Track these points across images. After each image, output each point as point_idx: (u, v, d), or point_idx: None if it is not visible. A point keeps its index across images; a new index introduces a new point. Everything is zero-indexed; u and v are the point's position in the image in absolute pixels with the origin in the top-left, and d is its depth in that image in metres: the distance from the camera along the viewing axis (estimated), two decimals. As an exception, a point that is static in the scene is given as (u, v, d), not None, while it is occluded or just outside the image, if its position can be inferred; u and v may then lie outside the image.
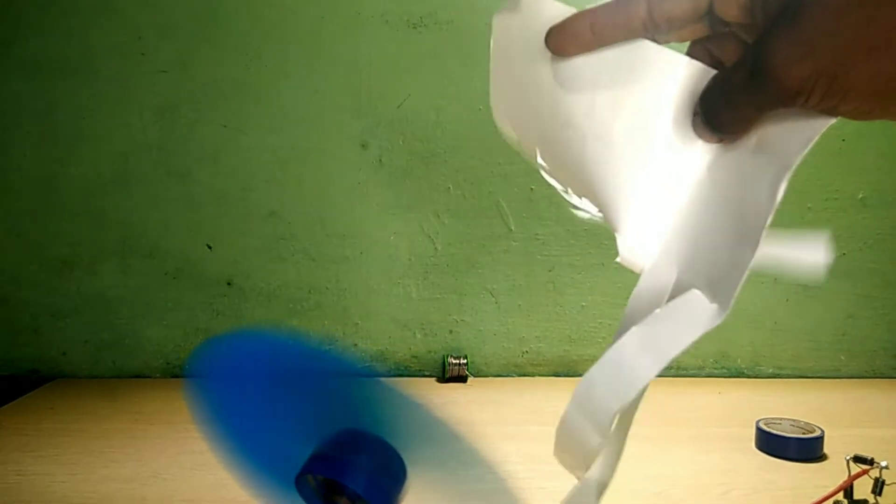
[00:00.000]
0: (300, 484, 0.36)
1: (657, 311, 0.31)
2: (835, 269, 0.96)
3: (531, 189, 0.94)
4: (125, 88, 0.92)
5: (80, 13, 0.91)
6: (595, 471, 0.33)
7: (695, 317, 0.30)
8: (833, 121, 0.29)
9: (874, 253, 0.96)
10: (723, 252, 0.30)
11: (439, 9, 0.92)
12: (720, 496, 0.56)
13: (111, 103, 0.92)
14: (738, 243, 0.30)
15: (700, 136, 0.32)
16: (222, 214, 0.94)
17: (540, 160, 0.37)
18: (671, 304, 0.31)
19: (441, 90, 0.93)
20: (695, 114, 0.32)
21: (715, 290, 0.30)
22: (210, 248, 0.94)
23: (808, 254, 0.33)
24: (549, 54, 0.33)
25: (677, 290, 0.32)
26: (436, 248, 0.95)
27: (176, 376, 0.95)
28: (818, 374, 0.97)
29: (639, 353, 0.30)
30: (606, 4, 0.32)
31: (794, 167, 0.29)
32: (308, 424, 0.37)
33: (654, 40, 0.32)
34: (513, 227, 0.95)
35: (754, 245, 0.29)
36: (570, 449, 0.32)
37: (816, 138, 0.29)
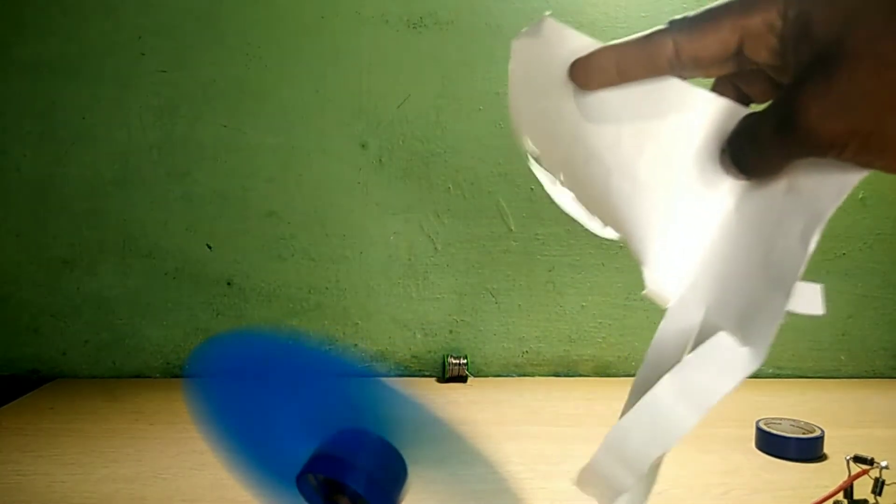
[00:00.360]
0: (301, 483, 0.36)
1: (689, 356, 0.30)
2: (835, 269, 0.96)
3: (531, 189, 0.94)
4: (125, 88, 0.92)
5: (80, 13, 0.91)
6: (625, 499, 0.33)
7: (729, 363, 0.30)
8: (866, 172, 0.28)
9: (874, 253, 0.96)
10: (754, 295, 0.30)
11: (439, 9, 0.92)
12: (720, 496, 0.56)
13: (111, 103, 0.92)
14: (771, 288, 0.30)
15: (728, 173, 0.32)
16: (222, 214, 0.94)
17: (564, 185, 0.37)
18: (703, 348, 0.30)
19: (441, 90, 0.93)
20: (722, 151, 0.31)
21: (746, 334, 0.30)
22: (210, 248, 0.94)
23: (803, 303, 0.32)
24: (572, 85, 0.33)
25: (705, 330, 0.32)
26: (436, 248, 0.95)
27: (176, 376, 0.95)
28: (818, 374, 0.97)
29: (675, 402, 0.30)
30: (632, 41, 0.31)
31: (827, 218, 0.28)
32: (309, 424, 0.37)
33: (681, 77, 0.32)
34: (513, 227, 0.95)
35: (788, 292, 0.29)
36: (600, 487, 0.32)
37: (850, 189, 0.28)
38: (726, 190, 0.32)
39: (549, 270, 0.96)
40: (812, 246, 0.29)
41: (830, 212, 0.29)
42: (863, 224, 0.96)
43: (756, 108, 0.31)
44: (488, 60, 0.93)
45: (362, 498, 0.34)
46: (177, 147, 0.93)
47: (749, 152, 0.30)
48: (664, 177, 0.33)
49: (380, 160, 0.94)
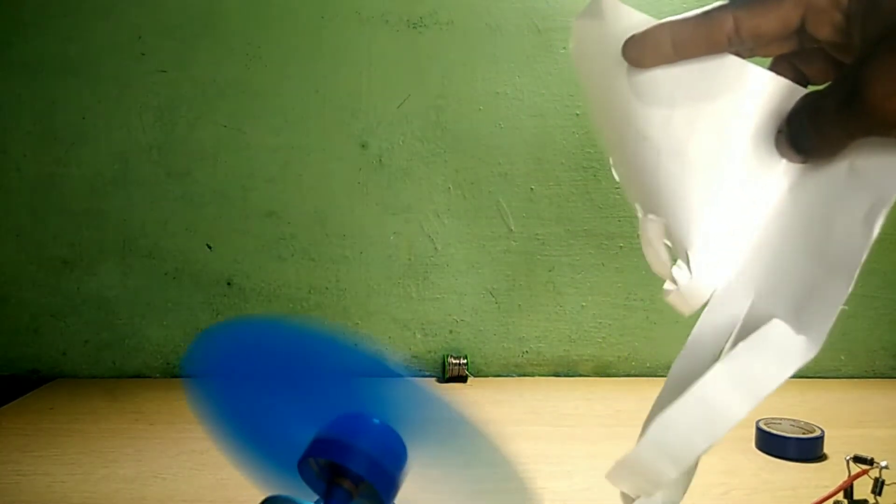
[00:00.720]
0: (303, 469, 0.36)
1: (742, 344, 0.29)
2: (835, 269, 0.96)
3: (531, 189, 0.94)
4: (125, 88, 0.92)
5: (80, 13, 0.91)
6: (661, 494, 0.33)
7: (785, 351, 0.29)
8: None
9: (874, 253, 0.95)
10: (810, 281, 0.29)
11: (439, 8, 0.92)
12: (720, 496, 0.56)
13: (111, 103, 0.92)
14: (829, 274, 0.29)
15: (783, 155, 0.31)
16: (222, 214, 0.94)
17: (613, 169, 0.36)
18: (757, 336, 0.29)
19: (441, 90, 0.93)
20: (779, 131, 0.31)
21: (802, 322, 0.29)
22: (210, 247, 0.94)
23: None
24: (625, 63, 0.32)
25: (753, 316, 0.31)
26: (436, 248, 0.95)
27: (176, 376, 0.95)
28: (818, 374, 0.97)
29: (728, 391, 0.29)
30: (690, 17, 0.30)
31: (892, 202, 0.28)
32: (310, 412, 0.37)
33: (738, 55, 0.31)
34: (513, 227, 0.95)
35: (849, 280, 0.28)
36: (638, 481, 0.31)
37: None
38: (780, 173, 0.31)
39: (549, 270, 0.96)
40: (877, 230, 0.28)
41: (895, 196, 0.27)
42: (863, 224, 0.96)
43: (815, 89, 0.30)
44: (488, 60, 0.93)
45: (364, 480, 0.35)
46: (177, 147, 0.93)
47: (809, 131, 0.29)
48: (716, 158, 0.31)
49: (380, 160, 0.94)
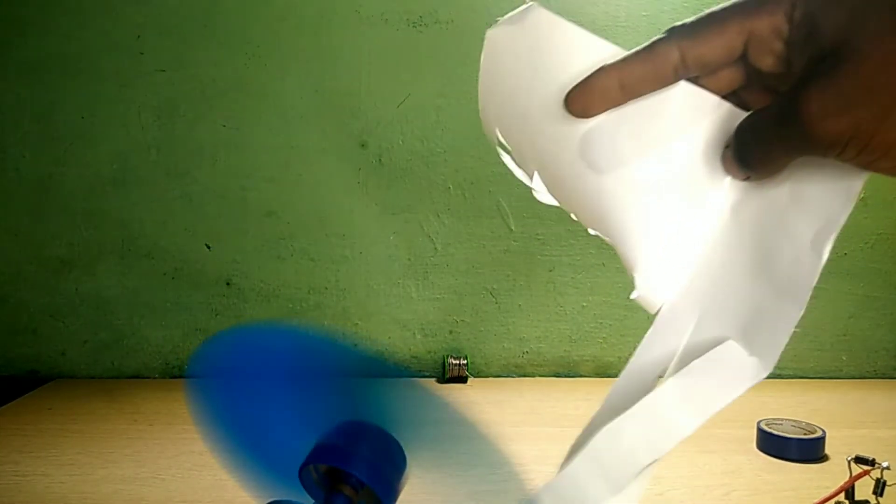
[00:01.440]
0: (303, 477, 0.36)
1: (696, 362, 0.29)
2: (836, 270, 0.96)
3: (531, 189, 0.94)
4: (124, 88, 0.92)
5: (80, 13, 0.91)
6: None
7: (737, 371, 0.29)
8: (868, 175, 0.28)
9: (875, 253, 0.96)
10: (760, 303, 0.29)
11: (439, 8, 0.92)
12: (721, 497, 0.56)
13: (110, 103, 0.92)
14: (779, 297, 0.29)
15: (729, 171, 0.31)
16: (221, 214, 0.94)
17: (535, 183, 0.36)
18: (711, 354, 0.29)
19: (441, 90, 0.93)
20: (726, 147, 0.31)
21: (753, 344, 0.29)
22: (209, 247, 0.94)
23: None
24: (559, 80, 0.31)
25: (700, 336, 0.31)
26: (436, 248, 0.95)
27: (175, 377, 0.95)
28: (819, 375, 0.97)
29: (678, 405, 0.29)
30: (634, 55, 0.30)
31: (840, 226, 0.28)
32: (309, 419, 0.37)
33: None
34: (513, 227, 0.95)
35: (800, 304, 0.28)
36: (568, 502, 0.30)
37: (857, 195, 0.28)
38: (725, 193, 0.31)
39: (550, 270, 0.96)
40: (826, 255, 0.28)
41: (843, 219, 0.28)
42: (864, 224, 0.96)
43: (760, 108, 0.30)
44: (488, 60, 0.93)
45: (365, 485, 0.35)
46: (176, 147, 0.93)
47: (752, 147, 0.30)
48: (661, 178, 0.31)
49: (379, 160, 0.94)
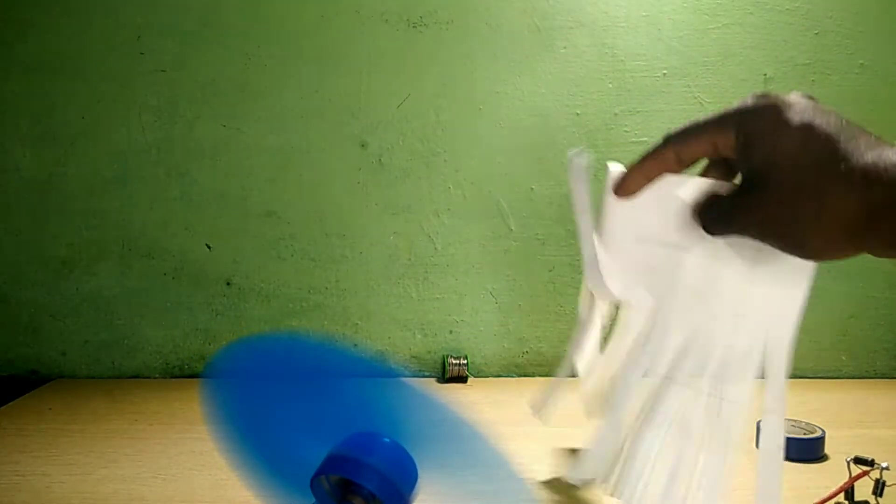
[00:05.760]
0: (315, 486, 0.37)
1: None
2: (836, 270, 0.96)
3: (531, 189, 0.94)
4: (124, 88, 0.92)
5: (80, 13, 0.91)
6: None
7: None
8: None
9: (875, 253, 0.96)
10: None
11: (439, 8, 0.92)
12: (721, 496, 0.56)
13: (110, 103, 0.92)
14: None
15: (691, 227, 0.43)
16: (221, 214, 0.94)
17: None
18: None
19: (441, 90, 0.93)
20: (692, 208, 0.43)
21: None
22: (209, 247, 0.94)
23: None
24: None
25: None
26: (436, 248, 0.95)
27: (175, 376, 0.95)
28: (819, 375, 0.97)
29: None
30: (647, 158, 0.43)
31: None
32: (322, 428, 0.37)
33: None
34: (513, 227, 0.95)
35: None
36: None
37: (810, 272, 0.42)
38: (694, 243, 0.44)
39: (550, 270, 0.96)
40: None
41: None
42: (863, 224, 0.95)
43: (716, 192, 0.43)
44: (489, 59, 0.93)
45: (376, 497, 0.35)
46: (176, 147, 0.93)
47: (710, 224, 0.42)
48: (648, 231, 0.49)
49: (379, 160, 0.94)
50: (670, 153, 0.42)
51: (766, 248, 0.41)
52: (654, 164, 0.43)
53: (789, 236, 0.37)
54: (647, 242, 0.49)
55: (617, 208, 0.51)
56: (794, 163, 0.36)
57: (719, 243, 0.43)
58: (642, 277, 0.51)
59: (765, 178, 0.37)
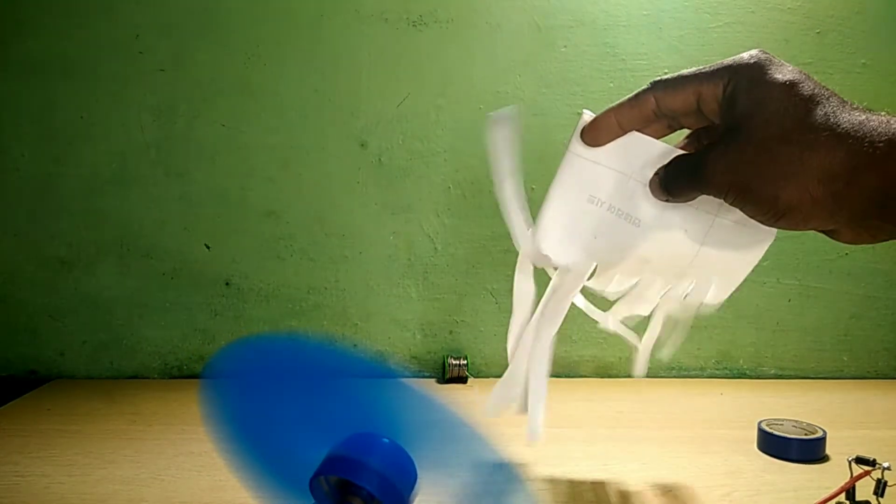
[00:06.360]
0: (314, 487, 0.36)
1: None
2: (837, 270, 0.96)
3: (532, 189, 0.93)
4: (123, 87, 0.92)
5: (78, 12, 0.90)
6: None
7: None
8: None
9: (877, 253, 0.96)
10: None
11: (439, 7, 0.92)
12: (721, 497, 0.56)
13: (109, 102, 0.92)
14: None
15: (654, 193, 0.44)
16: (221, 214, 0.94)
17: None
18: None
19: (441, 89, 0.93)
20: (655, 174, 0.43)
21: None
22: (208, 247, 0.94)
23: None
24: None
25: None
26: (436, 248, 0.95)
27: (174, 377, 0.95)
28: (820, 375, 0.97)
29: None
30: (624, 102, 0.42)
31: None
32: (321, 428, 0.37)
33: (670, 127, 0.44)
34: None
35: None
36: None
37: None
38: (649, 206, 0.46)
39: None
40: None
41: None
42: (865, 224, 0.95)
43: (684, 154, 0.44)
44: (489, 59, 0.93)
45: (375, 498, 0.35)
46: (175, 146, 0.93)
47: (673, 181, 0.42)
48: (608, 193, 0.47)
49: (379, 159, 0.94)
50: (650, 100, 0.41)
51: (724, 220, 0.43)
52: (630, 109, 0.42)
53: (764, 186, 0.36)
54: (601, 206, 0.47)
55: (576, 163, 0.47)
56: (782, 114, 0.36)
57: (674, 220, 0.45)
58: (586, 242, 0.49)
59: (748, 126, 0.37)
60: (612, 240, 0.48)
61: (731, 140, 0.37)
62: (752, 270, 0.46)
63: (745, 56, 0.39)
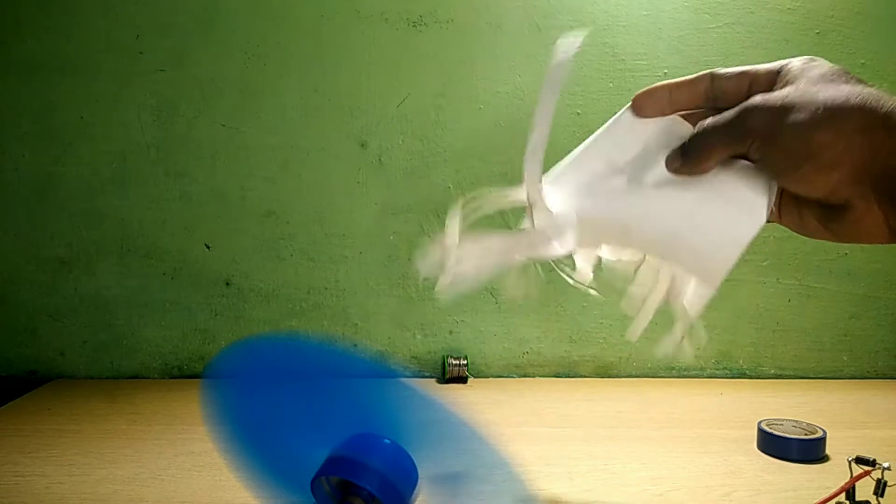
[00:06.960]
0: (315, 488, 0.36)
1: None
2: (837, 270, 0.96)
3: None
4: (123, 87, 0.92)
5: (79, 12, 0.90)
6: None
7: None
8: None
9: (877, 253, 0.96)
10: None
11: (439, 7, 0.92)
12: (722, 497, 0.56)
13: (109, 102, 0.92)
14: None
15: (668, 164, 0.43)
16: (221, 214, 0.94)
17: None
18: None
19: (441, 89, 0.93)
20: (673, 150, 0.43)
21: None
22: (208, 247, 0.94)
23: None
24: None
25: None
26: (436, 248, 0.95)
27: (174, 377, 0.95)
28: (820, 375, 0.97)
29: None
30: (683, 80, 0.43)
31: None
32: (322, 429, 0.37)
33: (716, 109, 0.43)
34: (513, 227, 0.95)
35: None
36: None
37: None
38: (659, 177, 0.45)
39: (550, 270, 0.95)
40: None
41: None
42: (864, 224, 0.95)
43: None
44: (489, 59, 0.93)
45: (376, 498, 0.35)
46: (175, 146, 0.93)
47: (701, 140, 0.41)
48: (627, 164, 0.47)
49: (379, 159, 0.94)
50: (707, 79, 0.42)
51: (719, 190, 0.42)
52: (685, 87, 0.43)
53: (801, 120, 0.35)
54: (616, 171, 0.47)
55: (614, 127, 0.47)
56: (830, 71, 0.37)
57: (672, 192, 0.43)
58: (584, 200, 0.49)
59: (794, 80, 0.38)
60: (609, 203, 0.48)
61: (774, 91, 0.39)
62: (743, 253, 0.44)
63: (802, 57, 0.41)
